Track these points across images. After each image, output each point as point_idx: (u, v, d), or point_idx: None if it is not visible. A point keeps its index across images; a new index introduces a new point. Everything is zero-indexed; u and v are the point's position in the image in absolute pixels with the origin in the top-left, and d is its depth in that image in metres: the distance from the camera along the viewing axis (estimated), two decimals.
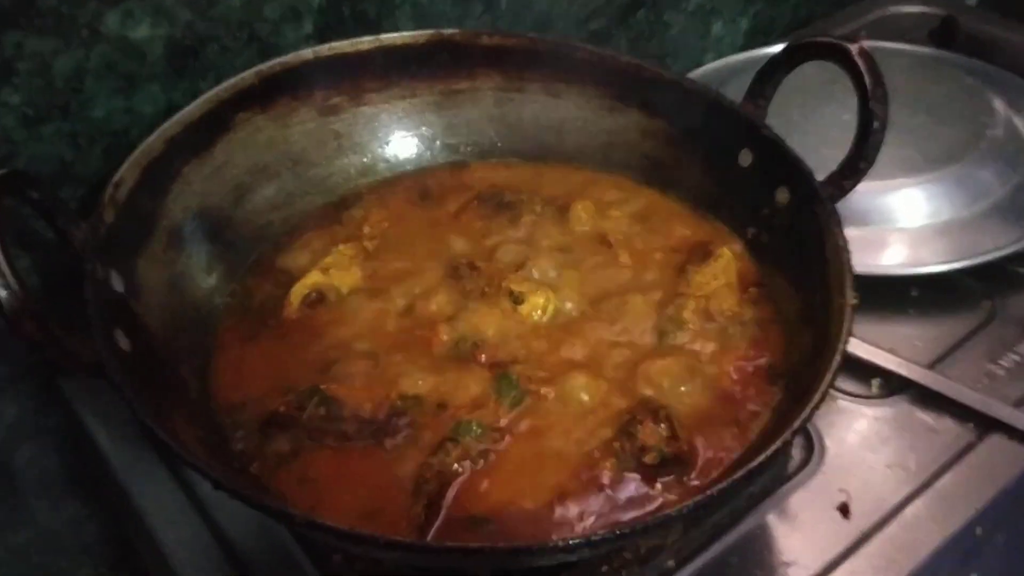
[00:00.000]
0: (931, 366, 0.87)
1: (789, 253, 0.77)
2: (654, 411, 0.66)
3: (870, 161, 0.73)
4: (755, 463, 0.56)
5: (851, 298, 0.66)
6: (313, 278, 0.80)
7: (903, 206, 0.97)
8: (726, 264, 0.80)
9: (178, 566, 0.73)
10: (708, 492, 0.54)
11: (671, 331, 0.75)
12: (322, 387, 0.70)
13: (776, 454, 0.57)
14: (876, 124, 0.71)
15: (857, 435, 0.82)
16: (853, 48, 0.72)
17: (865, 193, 0.76)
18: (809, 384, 0.63)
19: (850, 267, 0.68)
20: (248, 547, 0.73)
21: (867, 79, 0.71)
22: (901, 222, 0.97)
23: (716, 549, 0.73)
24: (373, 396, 0.70)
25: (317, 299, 0.79)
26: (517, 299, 0.76)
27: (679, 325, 0.75)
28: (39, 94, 0.77)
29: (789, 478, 0.78)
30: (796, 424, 0.58)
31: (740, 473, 0.55)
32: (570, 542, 0.51)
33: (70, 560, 1.03)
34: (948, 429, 0.82)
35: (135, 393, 0.58)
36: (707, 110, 0.84)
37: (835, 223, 0.71)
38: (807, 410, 0.58)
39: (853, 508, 0.75)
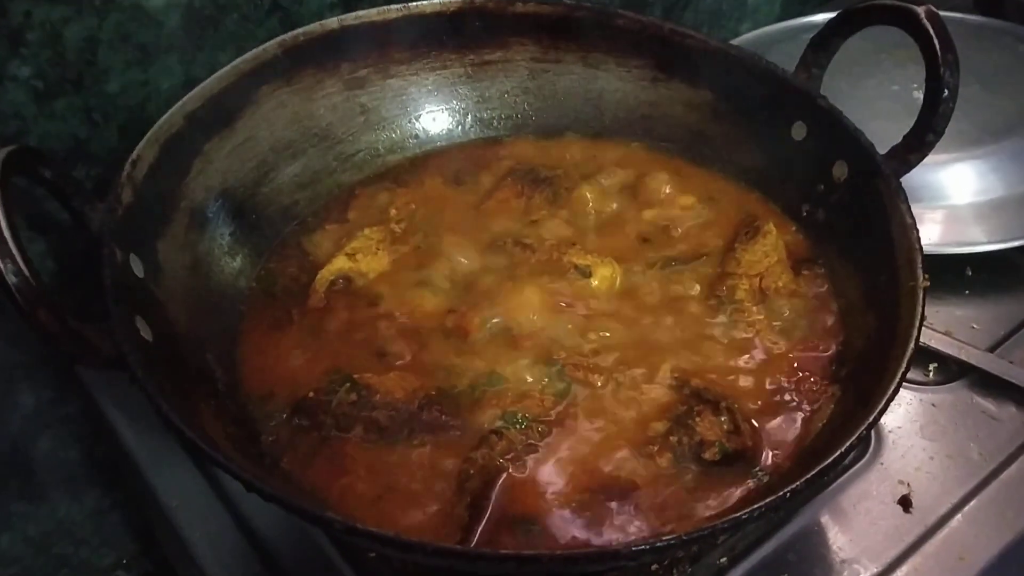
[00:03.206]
0: (991, 350, 0.83)
1: (848, 231, 0.73)
2: (714, 402, 0.62)
3: (939, 133, 0.68)
4: (829, 459, 0.52)
5: (922, 280, 0.62)
6: (339, 264, 0.76)
7: (955, 182, 0.93)
8: (774, 241, 0.76)
9: (205, 562, 0.70)
10: (781, 493, 0.50)
11: (726, 314, 0.71)
12: (355, 376, 0.66)
13: (850, 450, 0.53)
14: (947, 93, 0.66)
15: (915, 424, 0.78)
16: (921, 11, 0.67)
17: (915, 168, 0.72)
18: (878, 373, 0.59)
19: (919, 246, 0.64)
20: (277, 542, 0.70)
21: (936, 44, 0.66)
22: (953, 199, 0.92)
23: (771, 546, 0.69)
24: (406, 385, 0.66)
25: (344, 286, 0.75)
26: (584, 272, 0.73)
27: (734, 307, 0.71)
28: (50, 66, 0.74)
29: (846, 470, 0.74)
30: (871, 418, 0.54)
31: (814, 471, 0.51)
32: (632, 549, 0.47)
33: (91, 551, 1.00)
34: (1011, 416, 0.78)
35: (159, 388, 0.54)
36: (757, 80, 0.79)
37: (901, 199, 0.67)
38: (882, 402, 0.54)
39: (915, 501, 0.72)
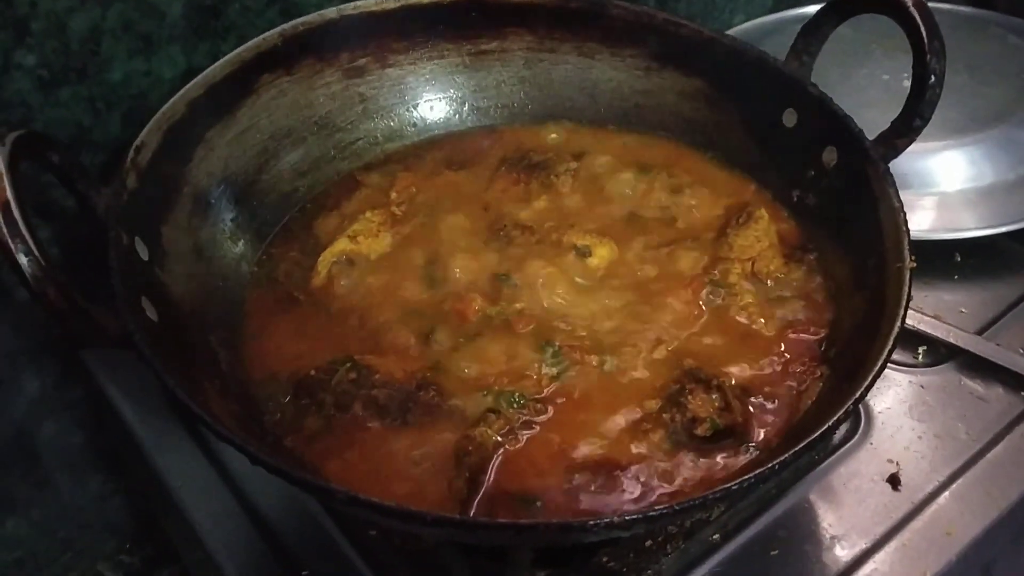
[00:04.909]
0: (979, 333, 0.84)
1: (838, 215, 0.74)
2: (705, 380, 0.64)
3: (926, 119, 0.70)
4: (816, 433, 0.53)
5: (908, 262, 0.63)
6: (341, 246, 0.77)
7: (945, 169, 0.94)
8: (766, 226, 0.77)
9: (209, 541, 0.71)
10: (769, 465, 0.51)
11: (720, 297, 0.73)
12: (355, 356, 0.67)
13: (838, 423, 0.54)
14: (933, 79, 0.68)
15: (904, 405, 0.79)
16: None
17: (905, 155, 0.73)
18: (864, 353, 0.61)
19: (907, 229, 0.65)
20: (281, 523, 0.72)
21: (923, 31, 0.68)
22: (943, 185, 0.93)
23: (762, 522, 0.71)
24: (406, 366, 0.68)
25: (346, 267, 0.76)
26: (583, 252, 0.74)
27: (727, 290, 0.73)
28: (54, 56, 0.75)
29: (836, 449, 0.75)
30: (858, 393, 0.55)
31: (802, 444, 0.52)
32: (626, 518, 0.49)
33: (94, 535, 1.01)
34: (998, 398, 0.80)
35: (165, 365, 0.55)
36: (749, 69, 0.80)
37: (889, 183, 0.68)
38: (869, 378, 0.56)
39: (903, 479, 0.73)
